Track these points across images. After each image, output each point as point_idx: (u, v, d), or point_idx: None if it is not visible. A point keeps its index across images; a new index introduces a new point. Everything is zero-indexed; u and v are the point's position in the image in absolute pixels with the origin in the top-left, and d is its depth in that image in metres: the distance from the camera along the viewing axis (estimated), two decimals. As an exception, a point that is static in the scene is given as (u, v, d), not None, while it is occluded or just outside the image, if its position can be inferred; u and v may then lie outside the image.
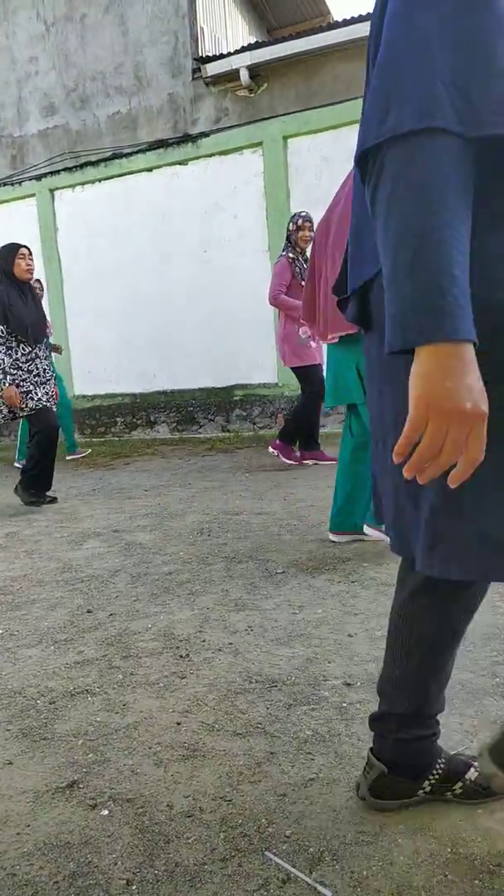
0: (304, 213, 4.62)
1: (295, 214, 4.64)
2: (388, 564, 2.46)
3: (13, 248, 3.90)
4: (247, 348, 7.11)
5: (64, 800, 1.26)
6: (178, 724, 1.49)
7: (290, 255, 4.58)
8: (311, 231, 4.48)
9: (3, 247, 3.93)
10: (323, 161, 6.60)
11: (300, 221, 4.57)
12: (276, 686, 1.63)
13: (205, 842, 1.12)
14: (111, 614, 2.21)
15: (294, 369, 4.72)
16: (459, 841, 1.08)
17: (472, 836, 1.09)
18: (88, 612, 2.25)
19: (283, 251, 4.64)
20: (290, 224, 4.63)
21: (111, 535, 3.30)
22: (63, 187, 7.83)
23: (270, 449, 4.94)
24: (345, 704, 1.52)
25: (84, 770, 1.35)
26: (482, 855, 1.05)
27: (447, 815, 1.14)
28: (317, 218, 6.75)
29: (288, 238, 4.64)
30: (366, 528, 2.74)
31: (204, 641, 1.93)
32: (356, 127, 5.89)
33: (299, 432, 4.83)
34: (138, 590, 2.44)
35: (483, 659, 1.68)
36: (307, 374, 4.67)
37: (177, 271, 7.31)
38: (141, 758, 1.38)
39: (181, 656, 1.84)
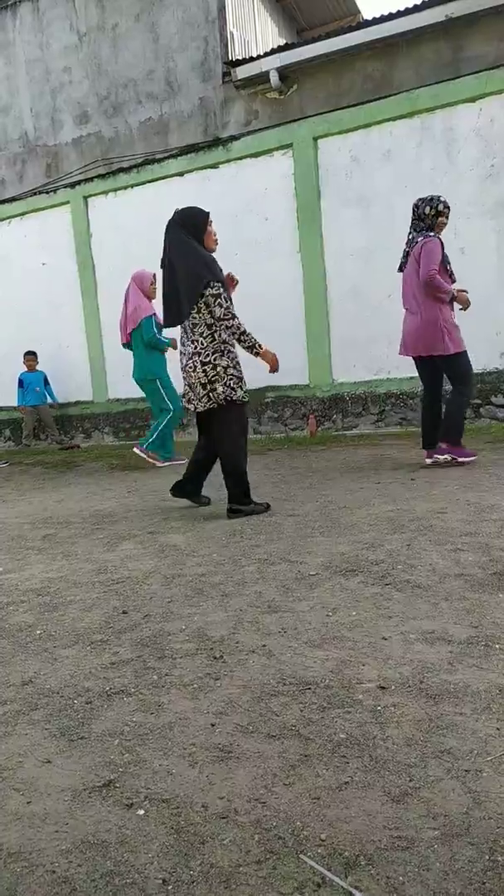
0: (444, 199, 4.37)
1: (434, 199, 4.35)
2: (423, 567, 2.44)
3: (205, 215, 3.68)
4: (278, 349, 7.06)
5: (101, 799, 1.28)
6: (213, 725, 1.50)
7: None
8: (448, 218, 4.38)
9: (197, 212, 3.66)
10: (353, 161, 6.57)
11: (440, 207, 4.32)
12: (309, 688, 1.63)
13: (239, 843, 1.13)
14: (146, 615, 2.23)
15: (454, 357, 4.29)
16: (498, 849, 1.06)
17: (511, 843, 1.07)
18: (124, 613, 2.28)
19: (422, 234, 4.33)
20: (429, 208, 4.33)
21: (146, 537, 3.33)
22: (96, 194, 7.95)
23: (435, 458, 4.43)
24: (379, 708, 1.51)
25: (120, 770, 1.37)
26: (521, 863, 1.03)
27: (485, 822, 1.12)
28: (346, 217, 6.72)
29: (423, 221, 4.36)
30: None
31: (237, 643, 1.93)
32: (386, 126, 5.92)
33: (463, 425, 4.48)
34: (172, 591, 2.46)
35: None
36: (465, 360, 4.36)
37: (208, 274, 7.34)
38: (176, 758, 1.39)
39: (215, 657, 1.85)
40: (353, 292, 6.72)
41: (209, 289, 3.41)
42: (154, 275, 5.54)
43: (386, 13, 6.16)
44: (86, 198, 8.03)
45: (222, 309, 3.45)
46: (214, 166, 7.24)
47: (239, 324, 3.50)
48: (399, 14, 6.04)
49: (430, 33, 6.01)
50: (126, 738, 1.48)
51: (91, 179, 7.94)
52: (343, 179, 6.64)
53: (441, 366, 4.42)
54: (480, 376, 6.18)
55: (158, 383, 5.68)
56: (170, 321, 3.62)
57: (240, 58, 7.04)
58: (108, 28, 7.64)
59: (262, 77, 6.68)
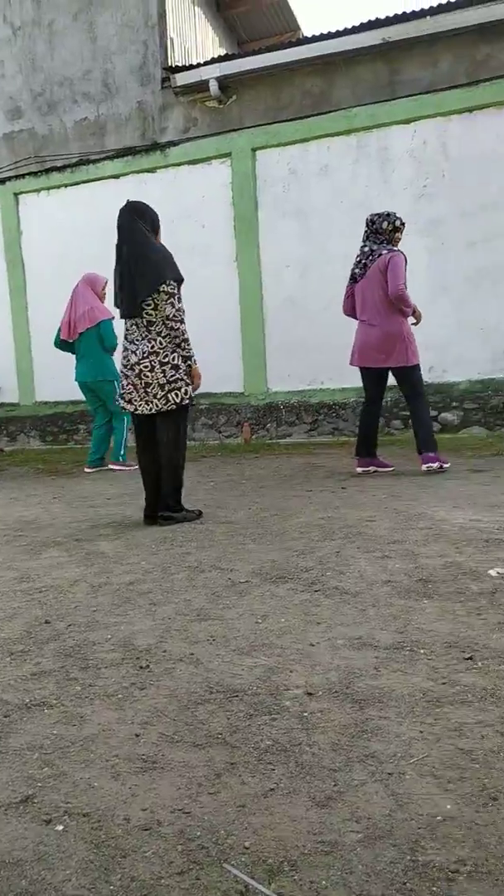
0: (399, 216, 4.52)
1: (392, 214, 4.47)
2: (351, 574, 2.47)
3: None
4: (214, 356, 7.09)
5: (17, 815, 1.22)
6: (137, 735, 1.46)
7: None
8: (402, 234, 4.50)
9: None
10: (291, 174, 6.67)
11: (398, 223, 4.46)
12: (237, 696, 1.61)
13: (162, 855, 1.10)
14: (70, 625, 2.16)
15: (412, 368, 4.43)
16: (418, 849, 1.08)
17: (432, 843, 1.09)
18: (46, 622, 2.20)
19: (385, 248, 4.42)
20: (387, 223, 4.43)
21: (72, 544, 3.24)
22: (28, 192, 7.76)
23: (431, 465, 4.41)
24: (306, 714, 1.51)
25: (39, 784, 1.31)
26: (441, 862, 1.04)
27: (406, 824, 1.14)
28: (284, 228, 6.81)
29: (380, 235, 4.46)
30: None
31: (165, 652, 1.90)
32: (324, 141, 6.06)
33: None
34: (98, 600, 2.39)
35: (443, 667, 1.69)
36: (420, 372, 4.49)
37: (144, 279, 7.28)
38: (98, 771, 1.34)
39: (141, 667, 1.81)
40: (289, 302, 6.81)
41: (164, 285, 3.34)
42: (107, 280, 5.47)
43: (325, 32, 6.31)
44: (16, 195, 7.81)
45: (174, 309, 3.37)
46: (152, 170, 7.20)
47: (184, 329, 3.44)
48: (338, 34, 6.20)
49: (368, 55, 6.19)
50: (46, 752, 1.42)
51: (23, 176, 7.73)
52: (280, 191, 6.74)
53: (398, 377, 4.50)
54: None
55: (115, 384, 5.55)
56: (124, 313, 3.47)
57: (180, 64, 7.04)
58: (45, 24, 7.49)
59: (202, 85, 6.71)
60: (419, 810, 1.17)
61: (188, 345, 3.46)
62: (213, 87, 6.60)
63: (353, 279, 4.56)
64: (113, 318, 5.41)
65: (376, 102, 6.23)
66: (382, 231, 4.47)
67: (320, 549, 2.82)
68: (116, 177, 7.34)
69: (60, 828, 1.18)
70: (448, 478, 4.26)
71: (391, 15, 6.02)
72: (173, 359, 3.39)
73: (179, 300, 3.40)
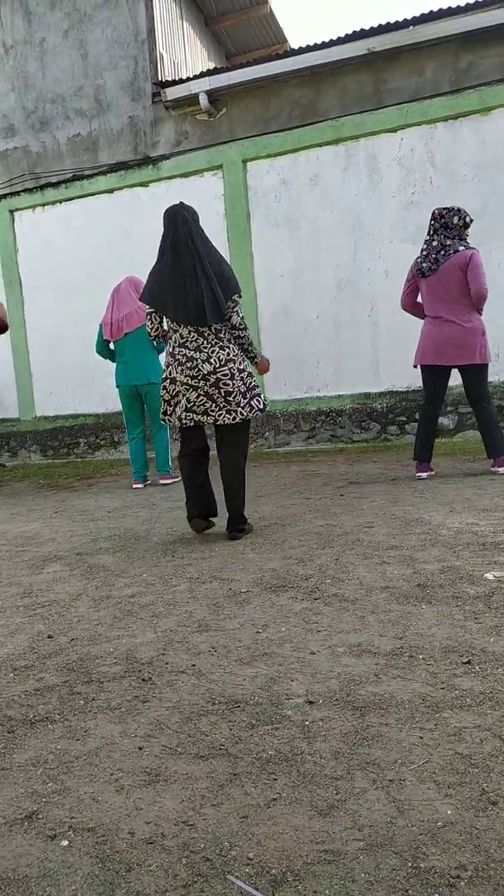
0: (468, 212, 4.45)
1: (463, 210, 4.38)
2: (350, 581, 2.49)
3: None
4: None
5: (22, 831, 1.23)
6: (140, 748, 1.48)
7: None
8: None
9: None
10: (282, 184, 6.72)
11: (468, 219, 4.39)
12: (238, 706, 1.62)
13: (166, 868, 1.11)
14: (72, 639, 2.18)
15: (484, 367, 4.38)
16: (420, 855, 1.09)
17: (432, 849, 1.10)
18: (49, 637, 2.21)
19: (460, 244, 4.32)
20: (457, 218, 4.35)
21: (73, 559, 3.26)
22: (23, 208, 7.80)
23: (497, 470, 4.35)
24: (307, 723, 1.52)
25: (43, 800, 1.32)
26: (442, 868, 1.06)
27: (408, 830, 1.15)
28: (276, 238, 6.85)
29: (450, 230, 4.36)
30: None
31: (167, 664, 1.91)
32: (313, 151, 6.10)
33: None
34: (100, 613, 2.41)
35: (442, 672, 1.70)
36: (487, 371, 4.43)
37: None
38: (102, 785, 1.36)
39: (143, 680, 1.82)
40: (283, 312, 6.85)
41: (237, 295, 3.28)
42: None
43: (312, 43, 6.37)
44: (12, 212, 7.87)
45: (239, 318, 3.30)
46: (144, 184, 7.25)
47: (249, 335, 3.40)
48: (324, 45, 6.26)
49: (354, 65, 6.25)
50: (50, 767, 1.44)
51: (17, 193, 7.79)
52: (272, 201, 6.79)
53: (470, 375, 4.40)
54: (405, 394, 6.41)
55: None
56: (193, 320, 3.20)
57: (169, 79, 7.10)
58: (36, 42, 7.57)
59: (192, 99, 6.77)
60: (420, 816, 1.18)
61: (253, 347, 3.43)
62: (203, 100, 6.67)
63: (422, 273, 4.38)
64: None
65: (363, 112, 6.29)
66: (453, 226, 4.36)
67: (320, 557, 2.84)
68: (110, 191, 7.39)
69: (65, 843, 1.19)
70: (444, 482, 4.28)
71: (375, 25, 6.08)
72: (247, 366, 3.32)
73: (241, 310, 3.36)
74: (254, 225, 6.87)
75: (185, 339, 3.26)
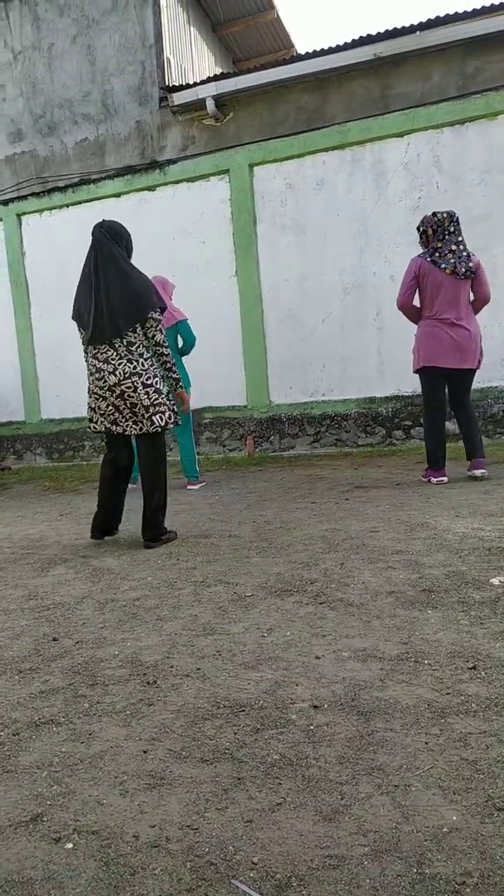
0: None
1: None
2: (355, 585, 2.48)
3: None
4: (216, 371, 7.14)
5: (27, 834, 1.24)
6: (145, 752, 1.48)
7: None
8: None
9: None
10: (288, 188, 6.74)
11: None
12: (243, 710, 1.62)
13: (171, 872, 1.11)
14: (77, 642, 2.18)
15: (475, 371, 4.46)
16: (425, 861, 1.09)
17: (438, 855, 1.10)
18: (54, 640, 2.22)
19: (467, 250, 4.37)
20: (458, 222, 4.42)
21: (78, 561, 3.26)
22: (30, 212, 7.85)
23: (483, 472, 4.40)
24: (312, 727, 1.52)
25: (48, 802, 1.32)
26: (447, 874, 1.05)
27: (413, 836, 1.15)
28: (282, 242, 6.86)
29: (460, 235, 4.40)
30: None
31: (171, 667, 1.91)
32: (319, 156, 6.10)
33: None
34: (105, 616, 2.41)
35: (447, 677, 1.70)
36: None
37: (145, 295, 7.35)
38: (107, 788, 1.36)
39: (148, 683, 1.82)
40: (289, 316, 6.86)
41: (153, 312, 3.35)
42: (175, 286, 5.36)
43: (318, 49, 6.39)
44: (19, 216, 7.91)
45: (162, 335, 3.40)
46: (151, 189, 7.28)
47: (172, 355, 3.49)
48: (331, 50, 6.28)
49: (361, 70, 6.27)
50: (55, 770, 1.44)
51: (25, 197, 7.83)
52: (278, 206, 6.80)
53: (465, 379, 4.46)
54: (410, 399, 6.40)
55: (188, 391, 5.37)
56: (96, 336, 3.36)
57: (177, 84, 7.14)
58: (44, 48, 7.62)
59: (199, 104, 6.80)
60: (425, 822, 1.18)
61: (176, 368, 3.51)
62: (210, 105, 6.69)
63: (457, 276, 4.29)
64: (188, 318, 5.23)
65: (369, 116, 6.30)
66: (458, 224, 4.40)
67: (325, 561, 2.83)
68: (117, 195, 7.42)
69: (70, 846, 1.19)
70: (449, 487, 4.27)
71: (382, 31, 6.10)
72: (156, 382, 3.38)
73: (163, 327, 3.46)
74: (260, 229, 6.89)
75: (97, 351, 3.40)
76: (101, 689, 1.81)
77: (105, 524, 3.65)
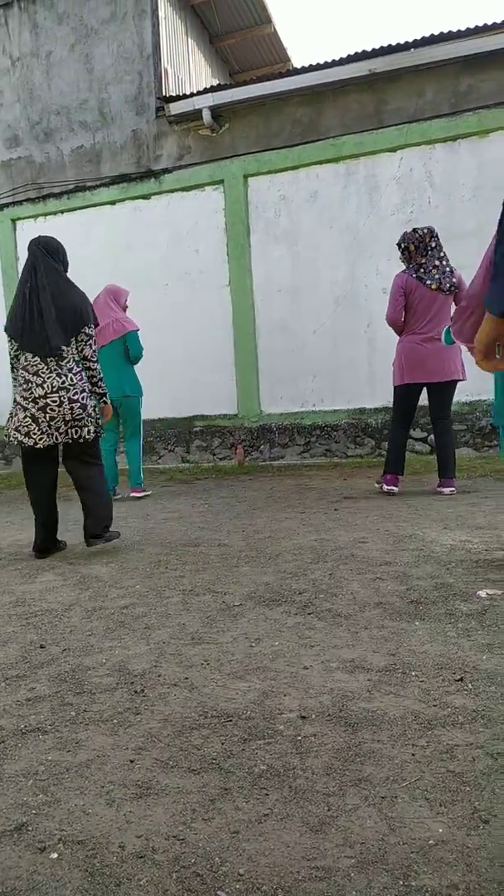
0: None
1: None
2: (344, 596, 2.49)
3: None
4: (207, 379, 7.16)
5: (11, 843, 1.22)
6: (132, 761, 1.47)
7: None
8: None
9: None
10: (282, 200, 6.79)
11: None
12: (231, 720, 1.62)
13: (157, 883, 1.10)
14: (65, 649, 2.17)
15: (456, 383, 4.52)
16: (411, 873, 1.09)
17: (424, 868, 1.10)
18: (41, 647, 2.20)
19: (450, 265, 4.47)
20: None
21: (67, 568, 3.25)
22: (25, 218, 7.85)
23: (452, 490, 4.49)
24: (300, 738, 1.52)
25: (33, 812, 1.31)
26: (434, 886, 1.06)
27: (399, 848, 1.15)
28: (275, 253, 6.90)
29: (441, 251, 4.50)
30: None
31: (159, 676, 1.91)
32: (313, 168, 6.17)
33: None
34: (93, 624, 2.40)
35: (435, 689, 1.71)
36: None
37: (138, 303, 7.36)
38: (93, 797, 1.35)
39: (136, 692, 1.82)
40: (281, 327, 6.89)
41: (86, 327, 3.41)
42: (128, 293, 5.41)
43: (314, 63, 6.47)
44: (14, 221, 7.91)
45: (91, 350, 3.45)
46: (146, 197, 7.31)
47: (99, 369, 3.53)
48: (326, 65, 6.36)
49: (356, 85, 6.35)
50: (40, 778, 1.43)
51: (20, 203, 7.84)
52: (272, 217, 6.85)
53: (446, 393, 4.50)
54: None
55: (141, 400, 5.39)
56: (30, 348, 3.37)
57: (173, 94, 7.19)
58: (42, 55, 7.65)
59: (195, 114, 6.85)
60: (412, 834, 1.18)
61: (103, 383, 3.56)
62: (206, 115, 6.75)
63: (442, 291, 4.38)
64: (139, 329, 5.31)
65: (364, 131, 6.38)
66: (438, 239, 4.49)
67: (313, 572, 2.84)
68: (112, 203, 7.45)
69: (55, 856, 1.18)
70: (438, 499, 4.29)
71: (377, 47, 6.18)
72: (82, 398, 3.40)
73: (95, 342, 3.50)
74: (254, 239, 6.93)
75: (27, 363, 3.41)
76: (88, 698, 1.80)
77: (44, 539, 3.55)
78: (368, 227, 6.47)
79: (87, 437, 3.41)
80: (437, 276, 4.39)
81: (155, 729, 1.60)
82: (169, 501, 5.06)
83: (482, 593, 2.40)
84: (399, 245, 4.58)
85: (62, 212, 7.68)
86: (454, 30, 5.97)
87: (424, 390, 4.59)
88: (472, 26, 5.89)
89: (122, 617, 2.45)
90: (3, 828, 1.27)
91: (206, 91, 6.85)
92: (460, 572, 2.67)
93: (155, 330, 7.23)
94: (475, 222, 6.10)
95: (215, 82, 8.97)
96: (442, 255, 4.45)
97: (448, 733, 1.50)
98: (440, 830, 1.18)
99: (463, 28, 5.97)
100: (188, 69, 8.20)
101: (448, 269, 4.43)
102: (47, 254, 3.50)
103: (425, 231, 4.46)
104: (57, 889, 1.10)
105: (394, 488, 4.56)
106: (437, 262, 4.43)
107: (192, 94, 6.93)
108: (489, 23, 5.84)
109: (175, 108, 6.93)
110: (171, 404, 7.34)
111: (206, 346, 7.12)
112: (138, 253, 7.35)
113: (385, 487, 4.58)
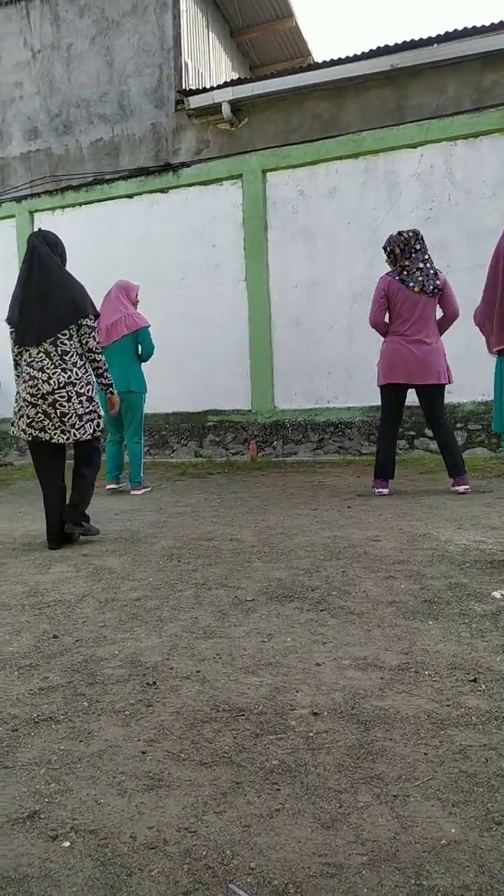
0: None
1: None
2: (357, 594, 2.48)
3: None
4: (221, 374, 7.16)
5: (24, 831, 1.23)
6: (144, 753, 1.47)
7: None
8: None
9: None
10: (300, 195, 6.76)
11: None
12: (243, 715, 1.62)
13: (168, 874, 1.11)
14: (77, 640, 2.18)
15: (444, 386, 4.56)
16: (423, 873, 1.08)
17: (436, 867, 1.09)
18: (54, 637, 2.22)
19: (434, 267, 4.50)
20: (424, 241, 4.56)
21: (80, 560, 3.26)
22: (43, 210, 7.88)
23: (466, 488, 4.46)
24: (311, 734, 1.52)
25: (46, 800, 1.32)
26: (445, 887, 1.05)
27: (411, 847, 1.14)
28: (292, 249, 6.88)
29: (425, 253, 4.53)
30: None
31: (171, 669, 1.91)
32: (332, 164, 6.15)
33: None
34: (106, 615, 2.41)
35: (448, 689, 1.70)
36: None
37: (154, 297, 7.36)
38: (105, 787, 1.35)
39: (148, 684, 1.82)
40: (296, 323, 6.87)
41: (87, 319, 3.44)
42: (139, 287, 5.43)
43: (336, 58, 6.42)
44: (31, 213, 7.94)
45: (95, 342, 3.48)
46: (164, 191, 7.31)
47: (104, 360, 3.55)
48: (348, 60, 6.31)
49: (377, 80, 6.30)
50: (53, 767, 1.43)
51: (39, 195, 7.86)
52: (290, 212, 6.82)
53: (434, 396, 4.54)
54: (412, 409, 6.40)
55: (144, 397, 5.42)
56: (30, 338, 3.40)
57: (193, 87, 7.17)
58: (63, 47, 7.66)
59: (215, 108, 6.83)
60: (424, 833, 1.18)
61: (108, 373, 3.59)
62: (226, 109, 6.73)
63: (426, 293, 4.41)
64: (150, 325, 5.33)
65: (384, 127, 6.33)
66: (423, 242, 4.52)
67: (326, 569, 2.83)
68: (130, 196, 7.45)
69: (67, 844, 1.19)
70: (452, 498, 4.27)
71: (399, 42, 6.13)
72: (88, 391, 3.44)
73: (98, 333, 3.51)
74: (271, 235, 6.91)
75: (32, 359, 3.43)
76: (100, 688, 1.81)
77: (57, 533, 3.57)
78: (387, 223, 6.42)
79: (94, 430, 3.47)
80: (420, 279, 4.42)
81: (167, 721, 1.61)
82: (182, 495, 5.07)
83: (497, 594, 2.38)
84: (385, 248, 4.61)
85: (80, 204, 7.69)
86: (476, 25, 5.91)
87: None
88: (495, 22, 5.83)
89: (135, 609, 2.46)
90: (16, 815, 1.28)
91: (225, 85, 6.83)
92: (475, 572, 2.65)
93: (170, 324, 7.24)
94: (496, 220, 6.03)
95: (235, 76, 8.94)
96: (426, 257, 4.49)
97: (461, 734, 1.49)
98: (453, 831, 1.18)
99: (486, 24, 5.91)
100: (208, 63, 8.18)
101: (432, 271, 4.46)
102: (45, 245, 3.53)
103: (410, 234, 4.51)
104: (68, 877, 1.11)
105: (383, 490, 4.57)
106: (420, 265, 4.46)
107: (211, 88, 6.91)
108: (514, 18, 5.77)
109: (194, 102, 6.91)
110: (184, 398, 7.34)
111: (221, 341, 7.11)
112: (155, 246, 7.35)
113: (377, 490, 4.58)
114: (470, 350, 6.20)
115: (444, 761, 1.38)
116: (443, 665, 1.83)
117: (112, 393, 3.64)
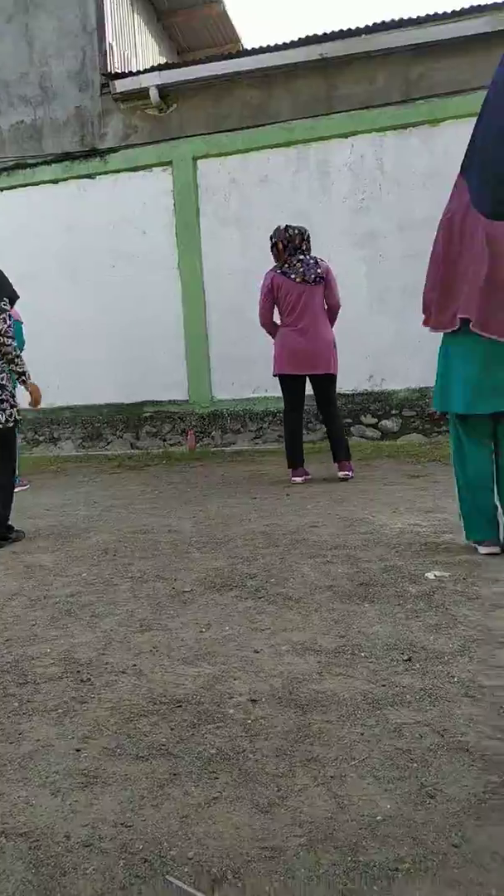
0: None
1: (304, 229, 4.67)
2: (295, 580, 2.50)
3: None
4: (157, 365, 7.06)
5: (-50, 840, 1.18)
6: (78, 750, 1.44)
7: None
8: None
9: None
10: (232, 183, 6.71)
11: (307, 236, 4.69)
12: (180, 706, 1.60)
13: (104, 871, 1.08)
14: (7, 640, 2.10)
15: (335, 377, 4.63)
16: (359, 849, 1.10)
17: (372, 843, 1.11)
18: (-16, 637, 2.13)
19: (312, 257, 4.56)
20: (308, 235, 4.65)
21: (9, 557, 3.15)
22: (-38, 194, 7.53)
23: (350, 473, 4.53)
24: (249, 721, 1.51)
25: (-26, 806, 1.27)
26: (381, 861, 1.07)
27: (348, 825, 1.15)
28: (225, 236, 6.83)
29: (302, 245, 4.60)
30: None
31: (106, 664, 1.87)
32: (264, 152, 6.09)
33: None
34: (37, 613, 2.34)
35: (383, 669, 1.73)
36: None
37: (84, 285, 7.18)
38: (36, 788, 1.31)
39: (82, 681, 1.77)
40: (231, 311, 6.83)
41: (2, 302, 3.29)
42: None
43: (265, 45, 6.39)
44: (-49, 197, 7.58)
45: (5, 325, 3.31)
46: (91, 176, 7.11)
47: (15, 346, 3.37)
48: (277, 48, 6.28)
49: (307, 69, 6.30)
50: (-18, 772, 1.38)
51: (-42, 179, 7.51)
52: (222, 200, 6.77)
53: (324, 385, 4.60)
54: (351, 397, 6.49)
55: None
56: None
57: (119, 71, 6.99)
58: (-21, 25, 7.32)
59: (142, 92, 6.67)
60: (360, 811, 1.19)
61: (21, 360, 3.41)
62: (154, 94, 6.58)
63: (307, 283, 4.49)
64: (23, 322, 5.10)
65: (315, 116, 6.34)
66: (306, 241, 4.62)
67: (264, 556, 2.84)
68: (55, 181, 7.21)
69: (-3, 850, 1.14)
70: (388, 483, 4.36)
71: (328, 31, 6.15)
72: (0, 378, 3.29)
73: (10, 317, 3.35)
74: (203, 222, 6.83)
75: None
76: (31, 688, 1.75)
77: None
78: (320, 212, 6.46)
79: (8, 420, 3.28)
80: (300, 269, 4.52)
81: (102, 717, 1.57)
82: (118, 488, 4.98)
83: (430, 575, 2.44)
84: (271, 239, 4.68)
85: (2, 189, 7.39)
86: (406, 17, 5.98)
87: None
88: (423, 14, 5.92)
89: (68, 606, 2.40)
90: None
91: (153, 69, 6.68)
92: (409, 555, 2.71)
93: (102, 313, 7.08)
94: (426, 211, 6.15)
95: (163, 60, 8.77)
96: (309, 254, 4.60)
97: (396, 712, 1.51)
98: (388, 807, 1.20)
99: (415, 16, 5.99)
100: (134, 46, 7.99)
101: (312, 261, 4.55)
102: None
103: (296, 231, 4.60)
104: (-1, 884, 1.06)
105: (298, 479, 4.60)
106: (301, 257, 4.57)
107: (138, 72, 6.74)
108: (441, 12, 5.88)
109: (120, 86, 6.73)
110: (119, 389, 7.20)
111: (156, 330, 7.00)
112: (83, 233, 7.15)
113: (293, 479, 4.63)
114: (401, 339, 6.34)
115: (380, 740, 1.41)
116: (378, 646, 1.86)
117: (24, 381, 3.43)
